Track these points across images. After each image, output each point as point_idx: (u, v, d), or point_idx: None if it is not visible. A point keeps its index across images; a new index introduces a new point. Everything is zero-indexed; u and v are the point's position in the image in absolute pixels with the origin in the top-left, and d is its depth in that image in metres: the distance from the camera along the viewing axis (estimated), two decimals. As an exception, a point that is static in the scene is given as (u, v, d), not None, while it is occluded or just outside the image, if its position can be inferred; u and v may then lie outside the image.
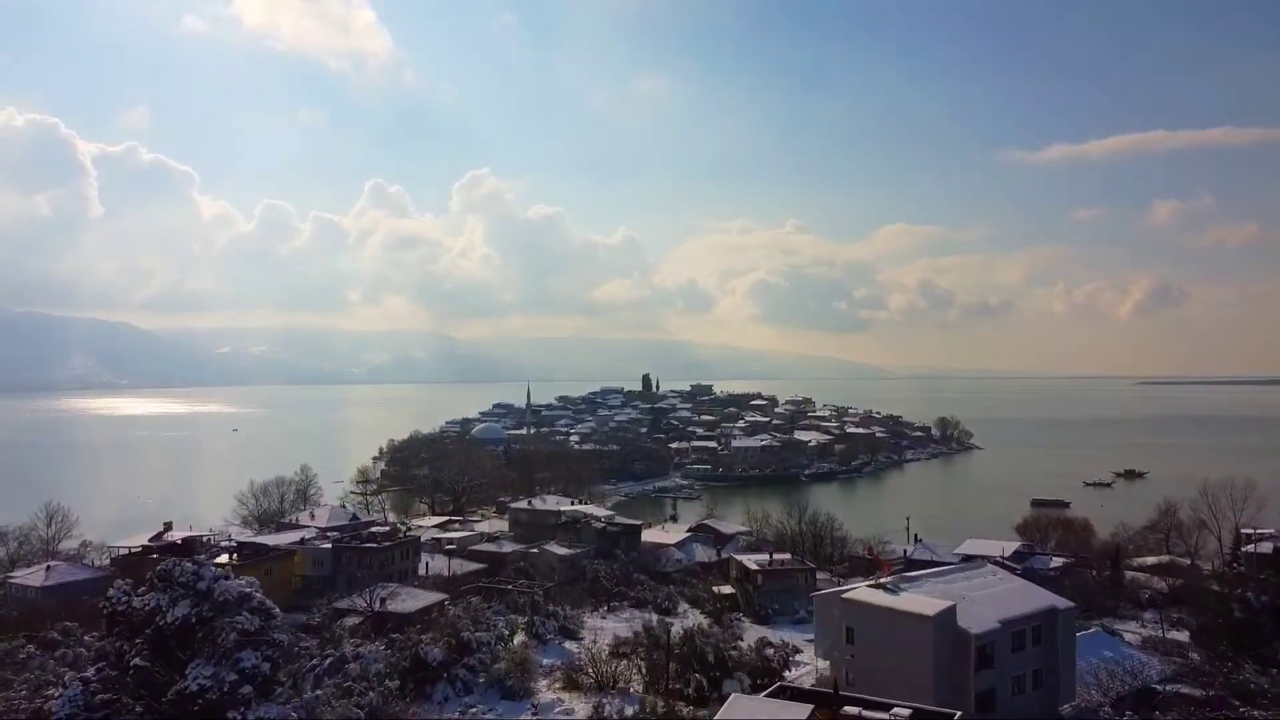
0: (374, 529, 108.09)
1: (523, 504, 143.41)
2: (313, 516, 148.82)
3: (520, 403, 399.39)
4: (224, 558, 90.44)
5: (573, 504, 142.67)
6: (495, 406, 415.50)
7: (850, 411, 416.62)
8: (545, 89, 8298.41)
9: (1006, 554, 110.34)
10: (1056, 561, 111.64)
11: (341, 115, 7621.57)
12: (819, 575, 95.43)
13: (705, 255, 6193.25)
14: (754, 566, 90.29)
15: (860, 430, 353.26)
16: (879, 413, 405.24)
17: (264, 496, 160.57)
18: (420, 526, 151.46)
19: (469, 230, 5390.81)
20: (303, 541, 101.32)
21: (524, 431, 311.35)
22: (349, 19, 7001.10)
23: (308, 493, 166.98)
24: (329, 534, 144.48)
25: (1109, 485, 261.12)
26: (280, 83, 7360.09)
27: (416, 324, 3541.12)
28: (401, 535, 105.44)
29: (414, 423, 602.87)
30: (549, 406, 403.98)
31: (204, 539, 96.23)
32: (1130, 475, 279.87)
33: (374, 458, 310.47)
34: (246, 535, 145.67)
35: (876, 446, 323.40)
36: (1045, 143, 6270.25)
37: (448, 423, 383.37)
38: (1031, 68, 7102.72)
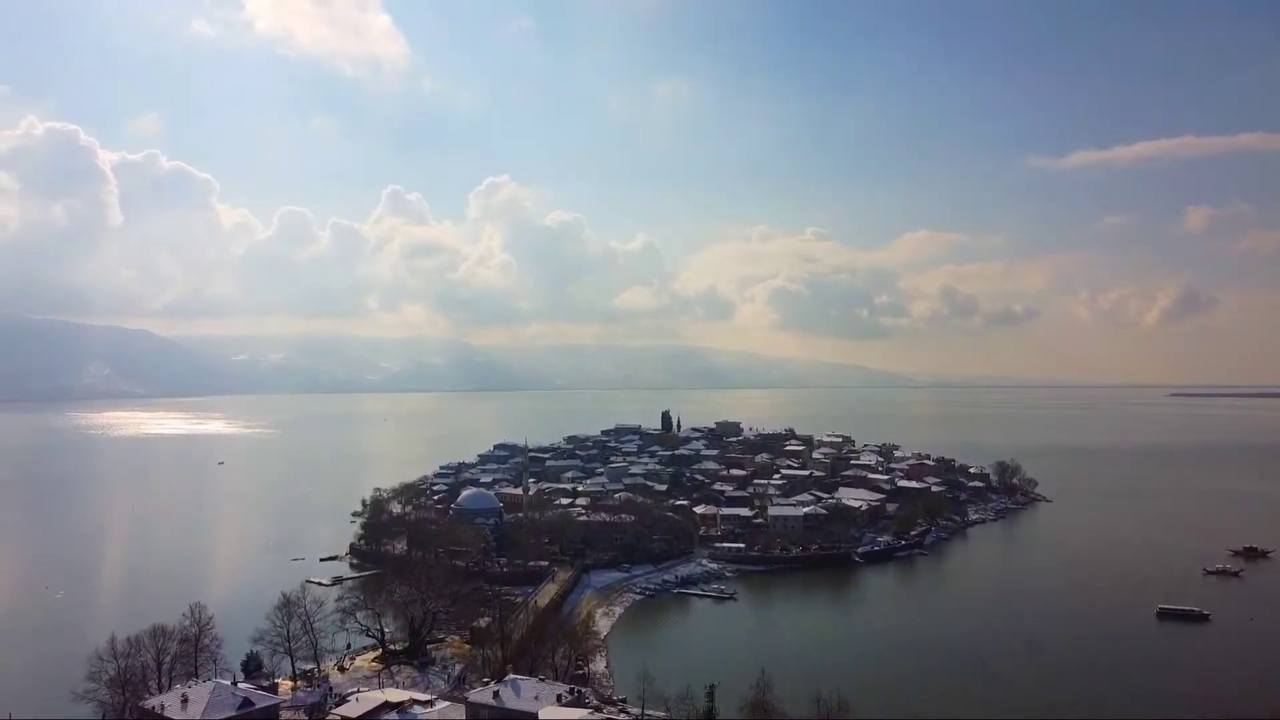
0: None
1: (487, 696, 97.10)
2: (185, 701, 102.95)
3: (529, 428, 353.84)
4: None
5: (560, 700, 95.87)
6: (495, 448, 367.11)
7: (898, 454, 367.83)
8: (563, 93, 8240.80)
9: None
10: None
11: (358, 121, 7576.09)
12: None
13: (725, 262, 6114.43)
14: None
15: (913, 484, 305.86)
16: (930, 459, 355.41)
17: (136, 652, 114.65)
18: (353, 699, 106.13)
19: (487, 237, 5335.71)
20: None
21: (520, 491, 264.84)
22: (364, 24, 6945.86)
23: (200, 643, 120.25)
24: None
25: (1236, 574, 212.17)
26: (294, 89, 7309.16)
27: (434, 331, 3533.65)
28: None
29: (419, 449, 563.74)
30: (555, 451, 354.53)
31: None
32: (1252, 554, 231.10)
33: (354, 513, 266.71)
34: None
35: (935, 507, 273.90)
36: (1070, 149, 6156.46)
37: (442, 468, 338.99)
38: (1056, 73, 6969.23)
